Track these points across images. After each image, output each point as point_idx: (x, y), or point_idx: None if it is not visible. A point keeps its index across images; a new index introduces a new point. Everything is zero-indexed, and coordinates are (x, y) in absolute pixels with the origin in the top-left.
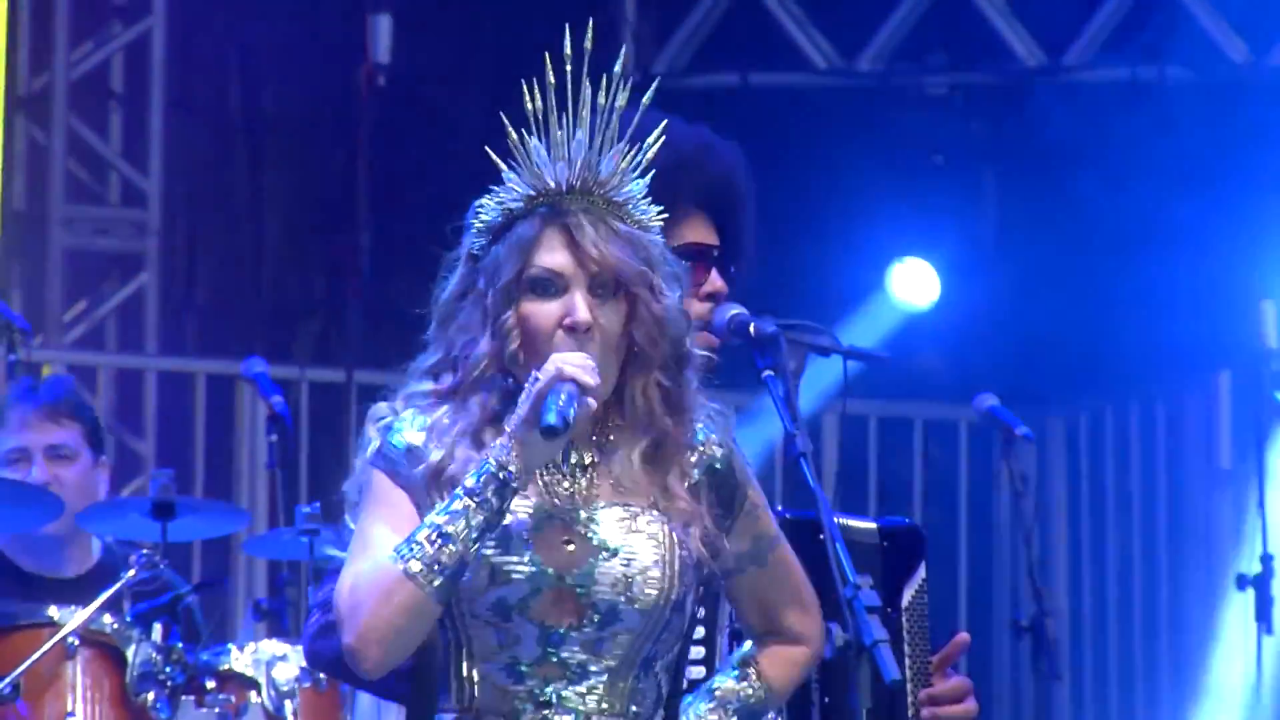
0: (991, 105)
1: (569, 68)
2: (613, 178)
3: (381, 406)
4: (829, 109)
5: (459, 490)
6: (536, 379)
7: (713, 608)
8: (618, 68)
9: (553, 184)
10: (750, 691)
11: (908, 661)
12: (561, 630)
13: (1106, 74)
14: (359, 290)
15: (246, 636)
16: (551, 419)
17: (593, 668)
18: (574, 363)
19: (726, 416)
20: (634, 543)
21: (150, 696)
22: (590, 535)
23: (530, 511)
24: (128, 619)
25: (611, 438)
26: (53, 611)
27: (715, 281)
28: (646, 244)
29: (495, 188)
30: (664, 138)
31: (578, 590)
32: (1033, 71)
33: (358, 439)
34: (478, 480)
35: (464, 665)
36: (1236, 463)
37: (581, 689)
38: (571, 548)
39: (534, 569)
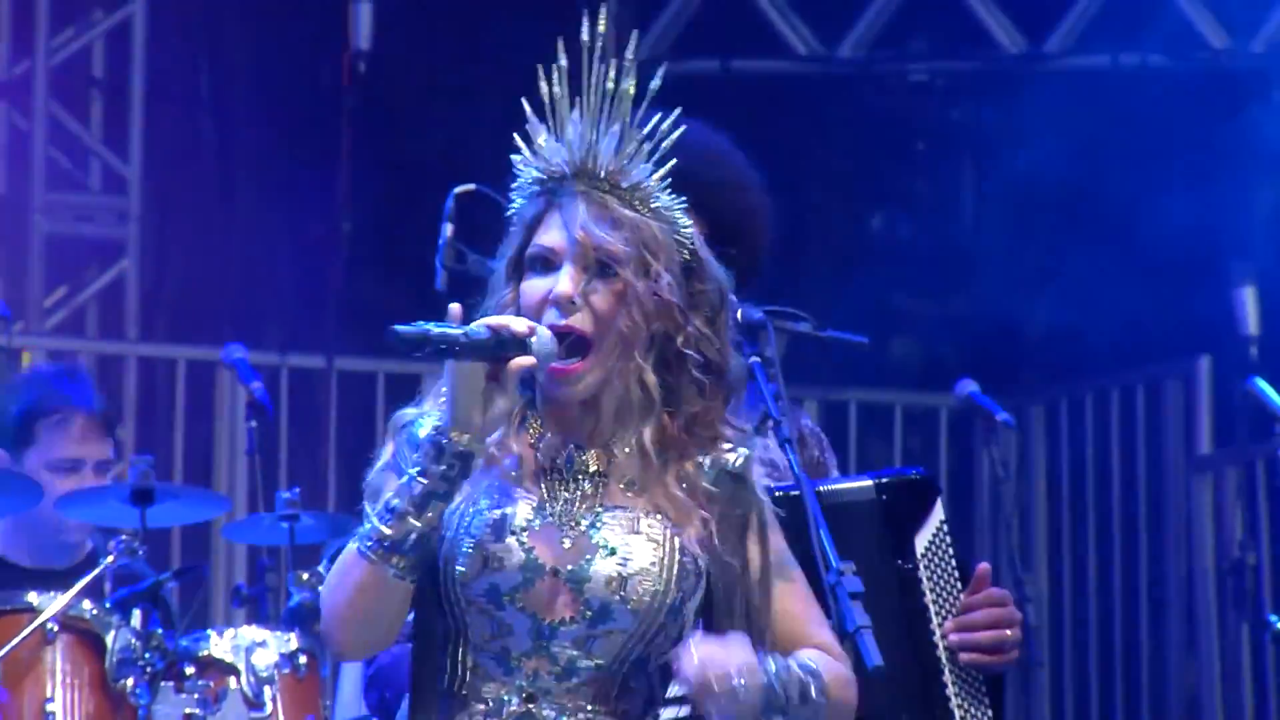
0: (973, 92)
1: (562, 58)
2: (615, 161)
3: (408, 411)
4: (810, 96)
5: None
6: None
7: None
8: (629, 53)
9: (557, 167)
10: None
11: (932, 602)
12: (553, 624)
13: (1088, 61)
14: (339, 276)
15: (226, 622)
16: (402, 325)
17: (582, 664)
18: (513, 323)
19: (747, 435)
20: (633, 543)
21: (130, 682)
22: (590, 534)
23: (532, 509)
24: (107, 605)
25: (620, 444)
26: (32, 598)
27: None
28: (645, 228)
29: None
30: (682, 139)
31: (571, 585)
32: (1014, 58)
33: (341, 424)
34: (418, 449)
35: (459, 650)
36: (1216, 448)
37: (570, 685)
38: (568, 544)
39: (527, 557)
